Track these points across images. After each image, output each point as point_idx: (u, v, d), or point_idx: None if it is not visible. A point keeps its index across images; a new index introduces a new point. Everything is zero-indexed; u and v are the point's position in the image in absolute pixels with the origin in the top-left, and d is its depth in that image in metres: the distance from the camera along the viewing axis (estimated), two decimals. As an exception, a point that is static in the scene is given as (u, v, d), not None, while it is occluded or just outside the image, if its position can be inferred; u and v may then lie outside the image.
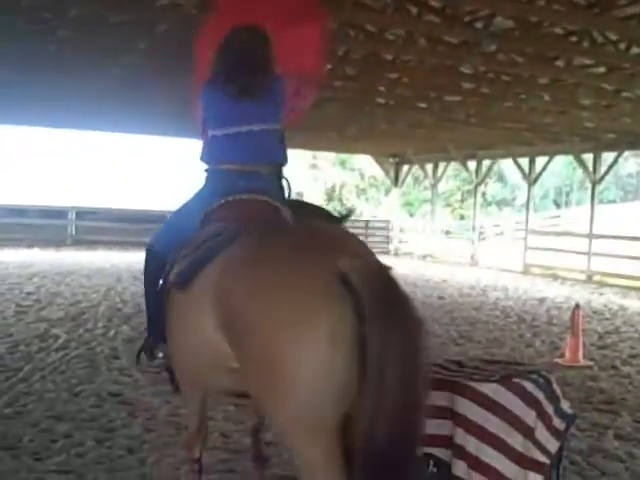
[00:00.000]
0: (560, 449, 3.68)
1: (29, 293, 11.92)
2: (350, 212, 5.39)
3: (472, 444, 3.52)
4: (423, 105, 15.57)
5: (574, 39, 11.12)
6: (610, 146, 18.61)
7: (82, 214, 23.90)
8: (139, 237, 22.55)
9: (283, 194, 3.57)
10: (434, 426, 3.59)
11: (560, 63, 11.46)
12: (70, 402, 5.94)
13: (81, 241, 22.46)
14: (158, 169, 44.19)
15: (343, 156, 37.37)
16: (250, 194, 3.35)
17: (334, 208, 37.63)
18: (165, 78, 12.55)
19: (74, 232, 23.17)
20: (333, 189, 38.74)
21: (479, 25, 10.76)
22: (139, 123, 19.82)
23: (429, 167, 25.73)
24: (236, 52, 3.54)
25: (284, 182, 3.66)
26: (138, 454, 4.85)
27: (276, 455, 4.86)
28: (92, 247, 21.58)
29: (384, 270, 2.60)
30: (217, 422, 5.57)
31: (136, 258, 19.26)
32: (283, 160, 3.69)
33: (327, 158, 38.81)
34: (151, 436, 5.21)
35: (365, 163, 35.94)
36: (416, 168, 26.88)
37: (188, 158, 43.63)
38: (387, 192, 36.49)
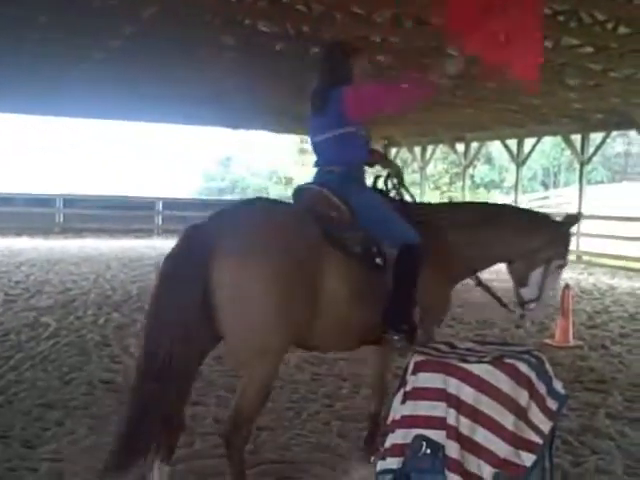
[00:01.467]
0: (553, 429, 3.68)
1: (18, 282, 11.84)
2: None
3: (465, 425, 3.52)
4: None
5: (561, 19, 11.09)
6: (598, 127, 18.63)
7: (70, 202, 23.74)
8: (128, 224, 22.53)
9: (353, 185, 4.10)
10: (427, 408, 3.60)
11: (548, 44, 11.41)
12: (61, 390, 5.91)
13: (69, 229, 22.31)
14: (146, 156, 44.02)
15: (331, 140, 37.29)
16: (312, 185, 4.19)
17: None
18: (153, 63, 12.49)
19: (62, 220, 23.01)
20: (322, 173, 38.73)
21: (466, 6, 10.70)
22: (125, 110, 19.69)
23: (417, 150, 25.71)
24: (316, 71, 4.36)
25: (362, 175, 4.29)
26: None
27: (270, 440, 4.87)
28: (80, 235, 21.45)
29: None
30: (210, 407, 5.56)
31: (125, 245, 19.25)
32: (353, 159, 4.18)
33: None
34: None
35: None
36: (404, 151, 26.85)
37: (176, 144, 43.48)
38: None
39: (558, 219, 4.68)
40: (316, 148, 4.26)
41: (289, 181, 39.00)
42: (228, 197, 36.21)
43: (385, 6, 10.51)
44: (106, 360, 6.92)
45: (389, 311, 3.92)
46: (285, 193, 37.41)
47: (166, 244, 18.46)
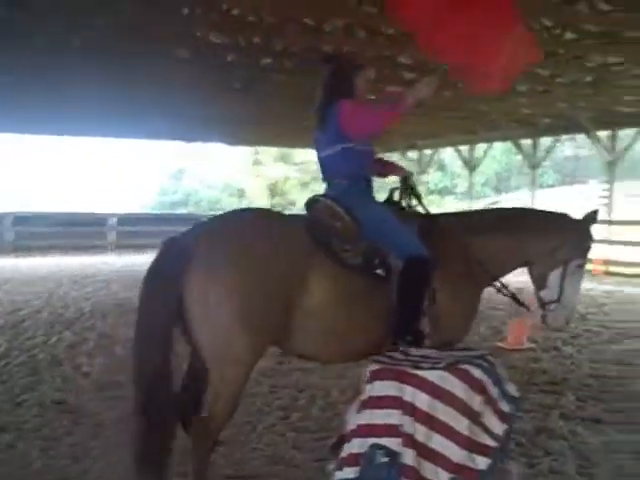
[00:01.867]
0: (507, 431, 3.71)
1: (-34, 303, 11.58)
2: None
3: (421, 432, 3.54)
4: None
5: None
6: (547, 131, 18.95)
7: (20, 219, 23.28)
8: (80, 241, 22.19)
9: (358, 198, 4.18)
10: (382, 416, 3.61)
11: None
12: (13, 412, 5.78)
13: (20, 247, 21.88)
14: (98, 171, 43.51)
15: (285, 150, 37.25)
16: (321, 196, 4.29)
17: (278, 204, 37.57)
18: (104, 77, 12.36)
19: (12, 238, 22.55)
20: (276, 184, 38.59)
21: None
22: (76, 125, 19.46)
23: (371, 158, 25.80)
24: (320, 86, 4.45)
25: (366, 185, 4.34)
26: (83, 462, 4.74)
27: (227, 454, 4.83)
28: (31, 253, 21.05)
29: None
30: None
31: (77, 262, 18.95)
32: (353, 174, 4.24)
33: (269, 153, 38.65)
34: (97, 443, 5.10)
35: (308, 157, 35.89)
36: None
37: (128, 159, 43.07)
38: (330, 185, 36.55)
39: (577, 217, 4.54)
40: (321, 163, 4.41)
41: (242, 193, 38.87)
42: (182, 210, 35.95)
43: (336, 16, 10.56)
44: (58, 380, 6.78)
45: (394, 322, 3.97)
46: (239, 205, 37.30)
47: (119, 260, 18.25)
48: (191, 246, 3.69)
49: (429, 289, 4.01)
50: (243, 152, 38.57)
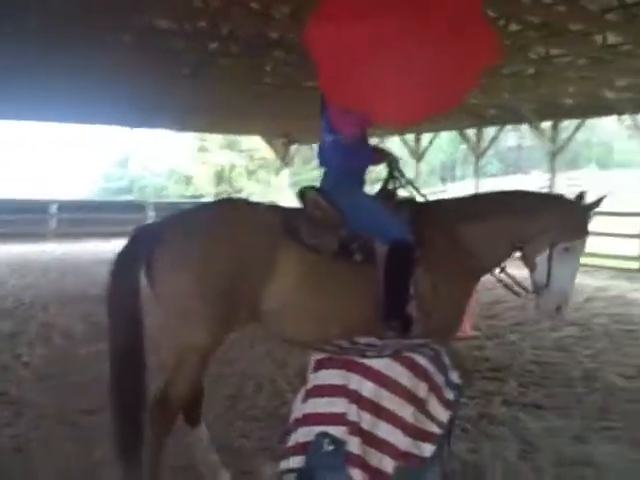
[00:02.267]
0: (451, 418, 3.75)
1: None
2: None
3: (366, 420, 3.55)
4: (311, 84, 15.56)
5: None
6: (492, 121, 19.19)
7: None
8: (19, 228, 21.65)
9: (343, 187, 4.24)
10: (328, 404, 3.61)
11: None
12: (-49, 404, 5.64)
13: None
14: (40, 157, 42.58)
15: (232, 137, 37.00)
16: (310, 187, 4.36)
17: (224, 191, 37.31)
18: (48, 62, 12.08)
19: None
20: (222, 171, 38.32)
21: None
22: (19, 109, 18.93)
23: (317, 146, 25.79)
24: None
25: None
26: (25, 453, 4.66)
27: (172, 445, 4.78)
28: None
29: None
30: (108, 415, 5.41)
31: (16, 250, 18.52)
32: (338, 164, 4.28)
33: (215, 140, 38.34)
34: (38, 434, 5.01)
35: (255, 144, 35.73)
36: (305, 148, 26.94)
37: (71, 144, 42.16)
38: (277, 172, 36.45)
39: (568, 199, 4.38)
40: (318, 150, 4.52)
41: (189, 180, 38.49)
42: (127, 197, 35.45)
43: (283, 2, 10.50)
44: (-2, 371, 6.64)
45: (382, 307, 4.01)
46: (185, 192, 36.95)
47: (60, 248, 17.86)
48: (160, 231, 3.89)
49: (414, 274, 4.03)
50: (189, 139, 38.20)
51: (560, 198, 4.44)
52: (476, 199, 4.73)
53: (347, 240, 4.07)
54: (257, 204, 4.38)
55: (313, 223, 4.08)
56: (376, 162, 4.59)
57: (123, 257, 3.86)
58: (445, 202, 4.58)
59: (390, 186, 4.47)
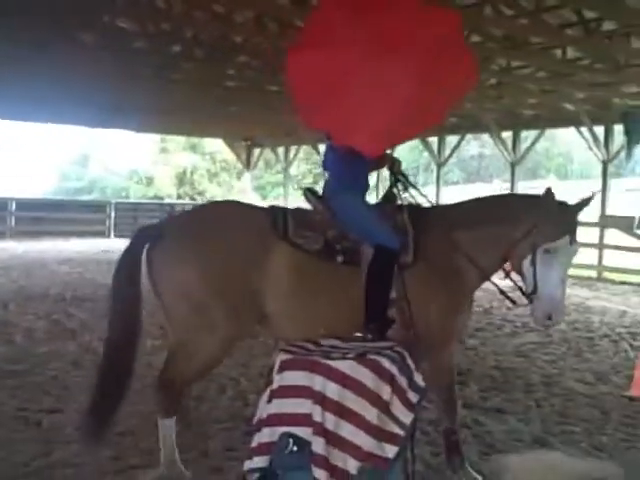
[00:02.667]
0: (413, 421, 3.79)
1: None
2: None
3: (330, 421, 3.57)
4: (274, 88, 15.57)
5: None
6: (453, 130, 19.38)
7: None
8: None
9: (337, 190, 4.32)
10: (293, 405, 3.63)
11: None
12: None
13: None
14: (-4, 154, 41.82)
15: (194, 140, 36.82)
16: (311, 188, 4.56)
17: (186, 193, 37.09)
18: (6, 59, 11.90)
19: None
20: (184, 173, 38.09)
21: (328, 9, 10.85)
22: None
23: (281, 150, 25.85)
24: None
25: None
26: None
27: (133, 445, 4.76)
28: None
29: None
30: (69, 414, 5.35)
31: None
32: (334, 168, 4.44)
33: (177, 142, 38.12)
34: (-3, 433, 4.94)
35: (216, 147, 35.60)
36: (268, 151, 26.92)
37: (28, 143, 41.52)
38: (239, 176, 36.33)
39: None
40: (324, 154, 4.65)
41: (150, 181, 38.16)
42: (86, 197, 35.01)
43: (247, 6, 10.50)
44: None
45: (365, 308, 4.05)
46: (147, 193, 36.62)
47: (20, 246, 17.67)
48: (159, 229, 4.22)
49: (400, 280, 4.05)
50: (150, 139, 37.91)
51: (537, 198, 4.22)
52: (473, 205, 4.54)
53: (334, 241, 4.13)
54: (252, 205, 4.54)
55: (302, 223, 4.17)
56: (377, 167, 4.65)
57: (126, 254, 4.16)
58: (442, 208, 4.63)
59: (394, 190, 4.48)
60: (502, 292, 4.36)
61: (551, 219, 4.02)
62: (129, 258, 4.15)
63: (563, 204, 4.13)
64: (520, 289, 4.23)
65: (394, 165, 4.50)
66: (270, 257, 4.05)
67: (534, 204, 4.16)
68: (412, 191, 4.48)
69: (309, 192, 4.44)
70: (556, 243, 4.00)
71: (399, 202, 4.44)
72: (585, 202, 4.14)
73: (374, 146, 4.09)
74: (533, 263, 4.02)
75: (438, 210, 4.51)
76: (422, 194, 4.50)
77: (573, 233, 4.07)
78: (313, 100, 4.02)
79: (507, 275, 4.34)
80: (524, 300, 4.22)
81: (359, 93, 3.87)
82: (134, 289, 4.11)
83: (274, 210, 4.32)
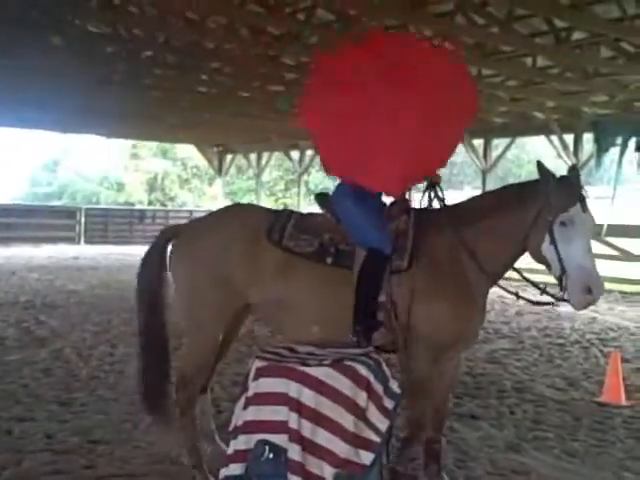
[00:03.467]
0: (389, 427, 3.79)
1: None
2: None
3: (306, 428, 3.57)
4: (246, 95, 15.57)
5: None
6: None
7: None
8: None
9: (341, 193, 4.29)
10: (269, 412, 3.62)
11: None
12: None
13: None
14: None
15: (165, 145, 36.64)
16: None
17: (157, 199, 36.86)
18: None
19: None
20: (155, 179, 37.87)
21: (301, 17, 10.91)
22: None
23: (253, 157, 25.81)
24: None
25: None
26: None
27: (107, 454, 4.72)
28: None
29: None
30: (40, 422, 5.28)
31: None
32: None
33: (148, 147, 37.90)
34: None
35: (188, 152, 35.46)
36: (240, 157, 26.87)
37: (-3, 147, 40.91)
38: (211, 182, 36.23)
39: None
40: None
41: (121, 187, 37.87)
42: (56, 202, 34.64)
43: (219, 13, 10.49)
44: None
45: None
46: (117, 199, 36.33)
47: (-11, 253, 17.05)
48: (178, 229, 4.60)
49: (388, 284, 4.01)
50: (120, 145, 37.63)
51: (535, 180, 4.05)
52: (471, 203, 4.44)
53: (328, 243, 4.14)
54: (263, 209, 4.66)
55: (302, 227, 4.22)
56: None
57: (149, 251, 4.49)
58: (451, 208, 4.36)
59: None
60: (517, 296, 4.18)
61: (557, 191, 3.85)
62: (151, 255, 4.47)
63: (562, 176, 3.99)
64: (539, 289, 4.09)
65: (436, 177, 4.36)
66: (258, 261, 4.16)
67: (533, 185, 4.03)
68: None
69: (319, 197, 4.45)
70: (569, 212, 3.81)
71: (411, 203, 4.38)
72: (574, 169, 4.04)
73: (395, 186, 4.11)
74: (553, 241, 3.82)
75: (447, 210, 4.30)
76: (437, 195, 4.32)
77: (583, 200, 3.88)
78: (334, 147, 4.08)
79: (542, 291, 4.10)
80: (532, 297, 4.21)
81: (374, 134, 3.94)
82: (156, 284, 4.43)
83: (281, 214, 4.38)
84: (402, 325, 4.02)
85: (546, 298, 4.10)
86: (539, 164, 3.95)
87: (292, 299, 4.15)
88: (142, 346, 4.52)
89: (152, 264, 4.46)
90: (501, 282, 4.18)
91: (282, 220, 4.28)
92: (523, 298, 4.17)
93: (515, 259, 4.14)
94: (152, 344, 4.47)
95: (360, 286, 4.04)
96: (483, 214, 4.10)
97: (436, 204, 4.32)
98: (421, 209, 4.31)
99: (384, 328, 4.05)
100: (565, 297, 3.88)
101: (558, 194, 3.84)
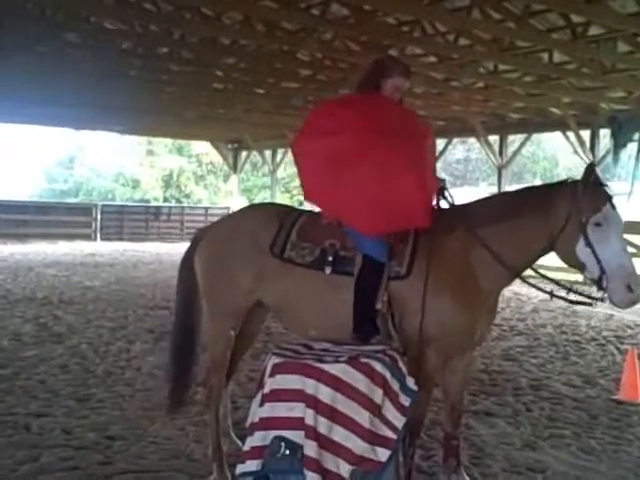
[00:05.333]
0: (405, 424, 3.78)
1: None
2: None
3: (323, 424, 3.57)
4: (261, 91, 15.58)
5: (406, 29, 11.50)
6: (440, 133, 19.42)
7: None
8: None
9: None
10: (285, 409, 3.62)
11: (393, 52, 11.82)
12: None
13: None
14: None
15: (180, 142, 36.72)
16: None
17: (172, 196, 36.95)
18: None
19: None
20: (170, 176, 37.96)
21: (316, 12, 10.90)
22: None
23: (268, 153, 25.83)
24: None
25: None
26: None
27: (124, 449, 4.74)
28: None
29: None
30: (57, 418, 5.31)
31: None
32: None
33: (163, 144, 37.98)
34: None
35: (203, 149, 35.52)
36: (255, 154, 26.91)
37: (13, 144, 41.22)
38: (226, 178, 36.27)
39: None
40: None
41: (137, 184, 37.99)
42: (72, 200, 34.80)
43: (235, 9, 10.50)
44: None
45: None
46: (132, 196, 36.46)
47: (7, 249, 17.54)
48: (206, 229, 4.79)
49: (385, 291, 3.97)
50: (136, 142, 37.74)
51: (561, 183, 4.04)
52: (489, 202, 4.46)
53: (329, 251, 4.11)
54: (273, 213, 4.51)
55: (305, 233, 4.22)
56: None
57: (184, 254, 4.72)
58: (461, 207, 4.30)
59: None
60: (552, 295, 4.11)
61: (586, 192, 3.81)
62: (185, 258, 4.69)
63: (586, 176, 3.88)
64: (567, 290, 4.05)
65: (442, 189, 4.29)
66: (262, 269, 4.26)
67: (558, 188, 3.99)
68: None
69: None
70: (602, 212, 3.78)
71: None
72: (592, 167, 3.92)
73: (374, 227, 4.06)
74: (589, 243, 3.77)
75: (456, 210, 4.25)
76: (450, 195, 4.28)
77: (611, 200, 3.85)
78: (318, 183, 4.10)
79: (568, 291, 4.07)
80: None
81: (361, 177, 3.94)
82: (189, 281, 4.62)
83: (289, 217, 4.35)
84: (404, 331, 3.99)
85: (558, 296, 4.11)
86: (591, 165, 3.90)
87: (292, 305, 4.25)
88: (173, 342, 4.78)
89: (185, 267, 4.69)
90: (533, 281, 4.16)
91: (287, 227, 4.28)
92: (559, 297, 4.09)
93: (534, 262, 4.10)
94: (183, 340, 4.69)
95: (356, 293, 4.01)
96: (503, 215, 4.03)
97: (444, 205, 4.29)
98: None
99: (380, 335, 4.03)
100: (605, 297, 3.81)
101: (588, 195, 3.80)
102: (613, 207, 3.84)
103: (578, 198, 3.80)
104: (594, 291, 3.87)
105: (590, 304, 3.99)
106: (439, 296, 3.94)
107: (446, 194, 4.26)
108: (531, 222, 3.94)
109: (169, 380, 4.78)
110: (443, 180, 4.32)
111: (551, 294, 4.11)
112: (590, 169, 3.87)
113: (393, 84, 4.22)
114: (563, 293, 4.09)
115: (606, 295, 3.79)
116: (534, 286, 4.17)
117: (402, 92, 4.29)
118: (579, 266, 3.90)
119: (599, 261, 3.75)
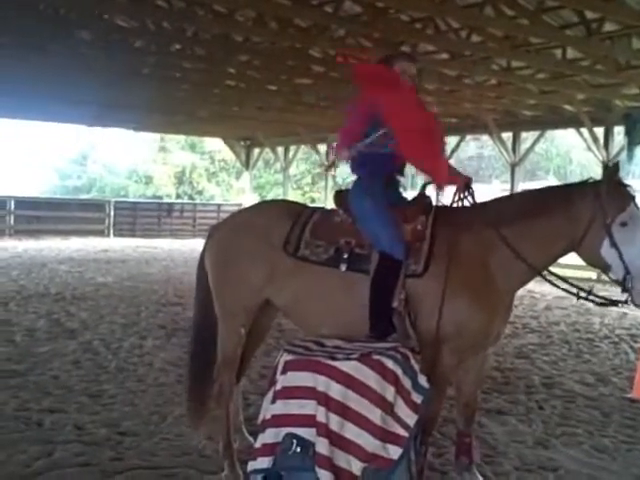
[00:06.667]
0: (417, 422, 3.77)
1: None
2: None
3: (334, 422, 3.56)
4: (273, 88, 15.57)
5: (419, 26, 11.47)
6: (453, 130, 19.35)
7: None
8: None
9: (358, 194, 4.29)
10: (297, 406, 3.62)
11: (406, 49, 11.78)
12: None
13: None
14: (-5, 152, 41.63)
15: (193, 139, 36.77)
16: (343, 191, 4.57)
17: (185, 192, 37.02)
18: (4, 57, 11.87)
19: None
20: (183, 172, 38.02)
21: (329, 9, 10.89)
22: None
23: (280, 150, 25.83)
24: None
25: None
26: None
27: (135, 446, 4.75)
28: None
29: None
30: (70, 414, 5.33)
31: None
32: (362, 173, 4.37)
33: (176, 141, 38.04)
34: (-1, 433, 4.92)
35: (216, 146, 35.55)
36: (267, 151, 26.91)
37: (27, 141, 41.38)
38: (238, 175, 36.29)
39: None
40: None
41: (149, 180, 38.08)
42: (85, 196, 34.93)
43: (248, 5, 10.49)
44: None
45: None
46: (145, 192, 36.56)
47: (20, 245, 17.63)
48: (217, 226, 4.86)
49: (403, 289, 3.95)
50: (149, 138, 37.82)
51: (582, 183, 4.02)
52: (510, 200, 4.59)
53: (344, 248, 4.11)
54: (283, 212, 4.48)
55: (319, 231, 4.23)
56: (398, 168, 4.42)
57: (202, 250, 4.72)
58: (481, 205, 4.24)
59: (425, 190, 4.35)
60: (579, 296, 4.05)
61: (610, 193, 3.79)
62: (201, 252, 4.72)
63: (609, 176, 3.94)
64: (588, 293, 4.00)
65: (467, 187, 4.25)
66: (274, 268, 4.26)
67: (582, 188, 3.95)
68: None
69: (337, 194, 4.43)
70: (627, 212, 3.76)
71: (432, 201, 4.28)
72: (616, 167, 3.96)
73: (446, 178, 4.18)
74: (614, 243, 3.74)
75: (477, 208, 4.19)
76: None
77: (634, 199, 3.82)
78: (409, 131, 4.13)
79: (587, 295, 4.02)
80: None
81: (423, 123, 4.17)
82: (203, 280, 4.65)
83: (302, 215, 4.37)
84: (420, 329, 3.96)
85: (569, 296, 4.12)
86: (615, 165, 3.93)
87: (304, 303, 4.26)
88: (193, 338, 4.83)
89: (199, 266, 4.73)
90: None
91: (300, 224, 4.29)
92: (585, 299, 4.04)
93: (554, 262, 4.08)
94: (201, 338, 4.72)
95: (372, 291, 4.00)
96: (526, 214, 3.97)
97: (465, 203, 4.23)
98: (444, 207, 4.20)
99: (397, 334, 3.99)
100: (631, 299, 3.79)
101: (612, 195, 3.78)
102: (637, 206, 3.81)
103: (602, 198, 3.77)
104: (604, 288, 3.86)
105: (616, 304, 3.97)
106: (457, 296, 3.90)
107: (472, 190, 4.22)
108: (554, 222, 3.91)
109: (188, 381, 4.83)
110: (470, 178, 4.29)
111: (577, 295, 4.06)
112: (615, 169, 3.86)
113: (399, 68, 4.27)
114: (582, 294, 4.04)
115: (630, 295, 3.76)
116: (561, 287, 4.09)
117: (411, 77, 4.30)
118: (604, 267, 3.88)
119: (624, 261, 3.73)
